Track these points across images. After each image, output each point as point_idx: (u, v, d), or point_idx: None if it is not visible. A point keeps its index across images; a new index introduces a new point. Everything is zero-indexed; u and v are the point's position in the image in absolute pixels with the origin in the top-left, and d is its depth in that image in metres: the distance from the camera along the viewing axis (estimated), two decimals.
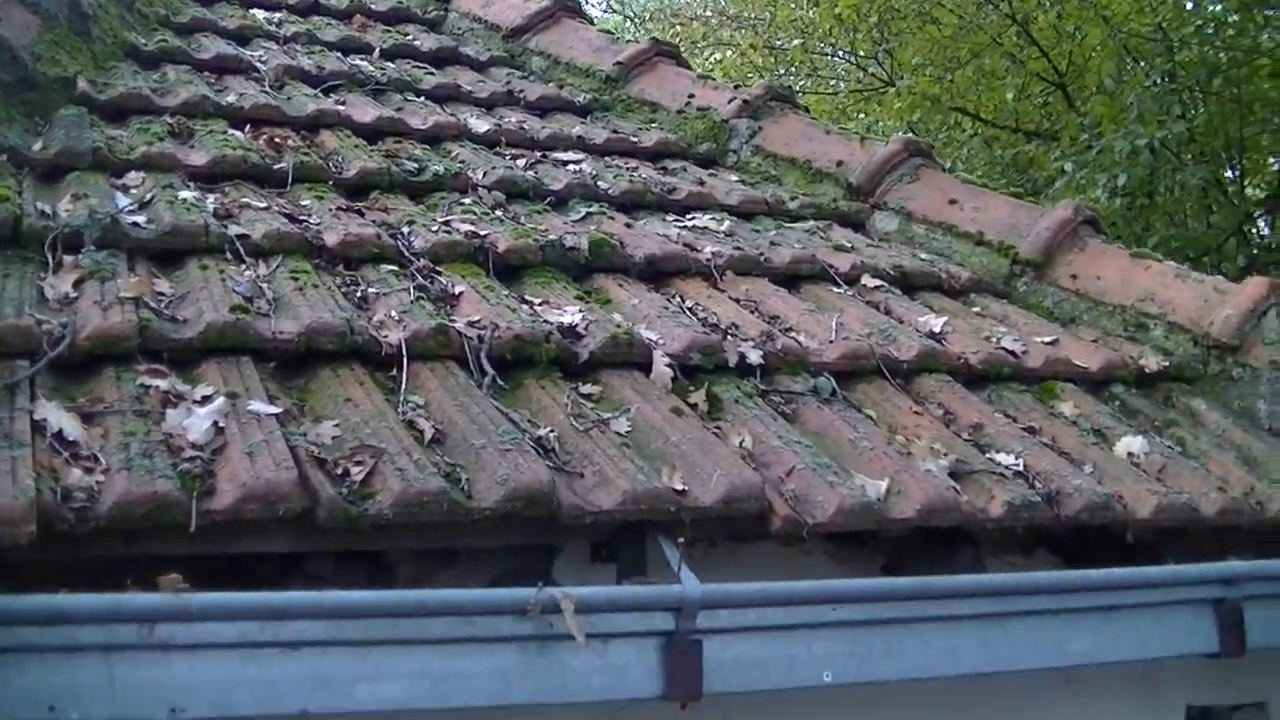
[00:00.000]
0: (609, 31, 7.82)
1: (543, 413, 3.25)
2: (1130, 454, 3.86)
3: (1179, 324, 4.71)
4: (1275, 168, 13.99)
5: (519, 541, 3.01)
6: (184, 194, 4.02)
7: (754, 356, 3.69)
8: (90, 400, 2.90)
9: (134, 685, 2.43)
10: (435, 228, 4.22)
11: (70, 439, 2.72)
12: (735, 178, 5.70)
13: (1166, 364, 4.53)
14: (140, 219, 3.77)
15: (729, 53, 18.93)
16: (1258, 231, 13.56)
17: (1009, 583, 3.25)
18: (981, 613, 3.20)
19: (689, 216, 5.07)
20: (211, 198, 4.10)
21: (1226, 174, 13.44)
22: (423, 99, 5.88)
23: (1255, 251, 12.20)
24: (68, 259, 3.48)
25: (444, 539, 2.91)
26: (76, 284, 3.35)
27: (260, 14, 6.81)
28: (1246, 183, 13.89)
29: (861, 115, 16.91)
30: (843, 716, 3.64)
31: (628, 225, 4.70)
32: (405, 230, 4.17)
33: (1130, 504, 3.55)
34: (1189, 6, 12.47)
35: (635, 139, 5.86)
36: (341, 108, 5.33)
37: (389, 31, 6.92)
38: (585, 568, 3.17)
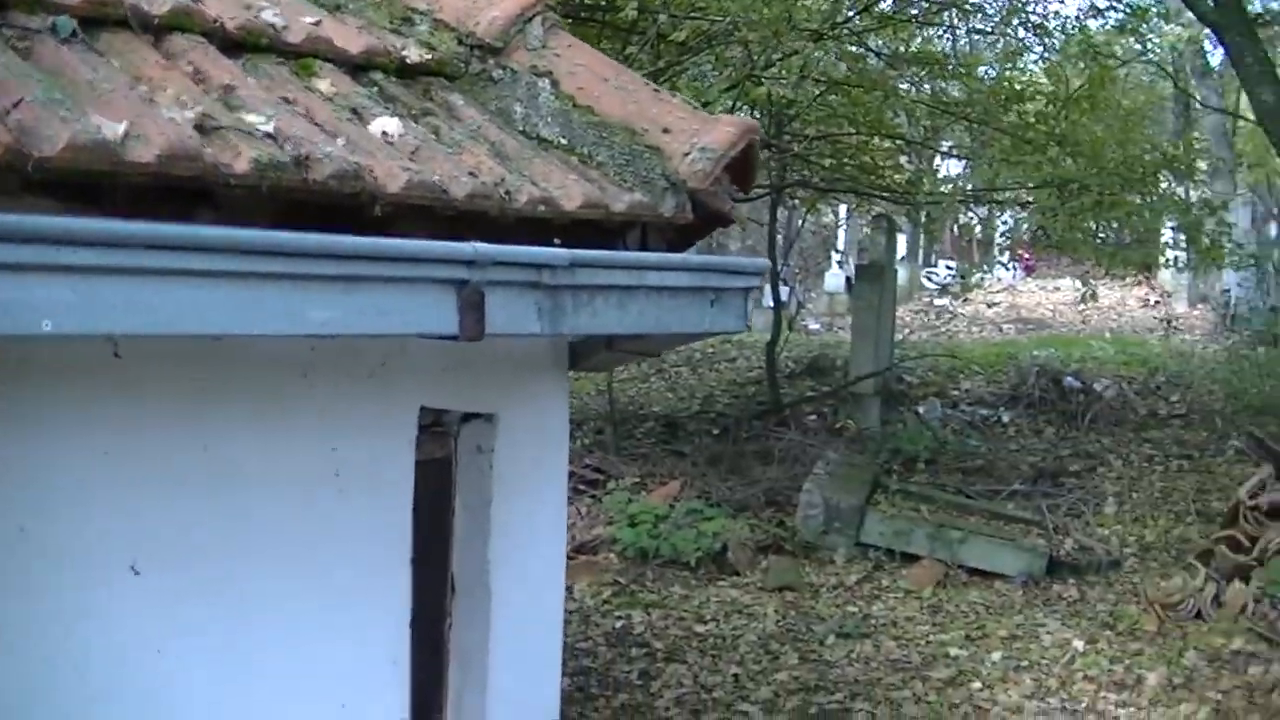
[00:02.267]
0: None
1: None
2: (385, 133, 3.80)
3: (445, 22, 4.71)
4: None
5: None
6: None
7: None
8: None
9: None
10: None
11: None
12: None
13: (429, 57, 4.51)
14: None
15: None
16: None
17: (258, 240, 3.05)
18: (226, 270, 2.99)
19: None
20: None
21: None
22: None
23: None
24: None
25: None
26: None
27: None
28: None
29: None
30: (69, 380, 3.46)
31: None
32: None
33: (381, 178, 3.50)
34: None
35: None
36: None
37: None
38: None
